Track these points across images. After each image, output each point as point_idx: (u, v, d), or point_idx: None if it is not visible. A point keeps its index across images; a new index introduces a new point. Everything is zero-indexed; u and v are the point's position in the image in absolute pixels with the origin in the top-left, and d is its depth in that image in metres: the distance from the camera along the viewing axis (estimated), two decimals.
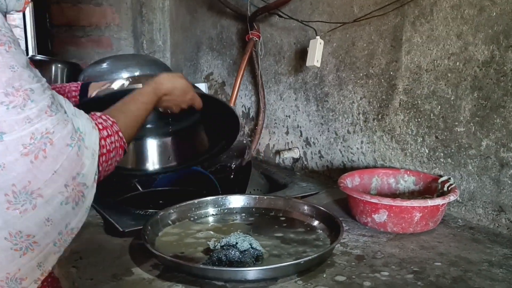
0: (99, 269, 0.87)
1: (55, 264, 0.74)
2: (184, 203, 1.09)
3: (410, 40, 1.16)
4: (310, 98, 1.48)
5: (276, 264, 0.81)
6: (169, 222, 1.05)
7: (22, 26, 3.18)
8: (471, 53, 1.04)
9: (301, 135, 1.55)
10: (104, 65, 2.00)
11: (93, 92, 1.18)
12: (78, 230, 0.77)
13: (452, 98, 1.08)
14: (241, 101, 1.83)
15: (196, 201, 1.11)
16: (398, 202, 0.96)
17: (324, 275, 0.83)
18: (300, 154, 1.56)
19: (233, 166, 1.64)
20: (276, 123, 1.65)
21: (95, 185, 0.78)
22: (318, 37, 1.30)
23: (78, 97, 1.19)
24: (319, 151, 1.48)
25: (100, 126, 0.81)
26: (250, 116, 1.78)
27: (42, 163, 0.67)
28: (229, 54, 1.88)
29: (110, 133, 0.82)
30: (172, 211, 1.06)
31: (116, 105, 0.90)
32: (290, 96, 1.57)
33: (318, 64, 1.30)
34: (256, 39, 1.58)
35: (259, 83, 1.64)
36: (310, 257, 0.81)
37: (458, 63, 1.06)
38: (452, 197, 0.98)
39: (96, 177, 0.78)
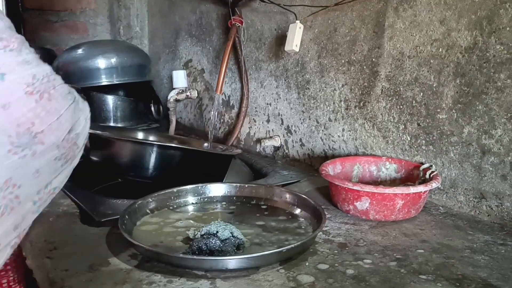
0: (75, 260, 0.84)
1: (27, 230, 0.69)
2: (163, 192, 1.06)
3: (393, 26, 1.14)
4: (291, 85, 1.46)
5: (258, 253, 0.79)
6: (148, 211, 1.02)
7: None
8: (454, 39, 1.03)
9: (282, 123, 1.53)
10: (80, 51, 1.95)
11: None
12: (58, 191, 0.73)
13: (434, 85, 1.07)
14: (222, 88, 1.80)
15: (175, 189, 1.08)
16: (380, 190, 0.95)
17: (307, 263, 0.81)
18: (281, 142, 1.54)
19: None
20: (257, 111, 1.63)
21: (82, 149, 0.75)
22: (297, 21, 1.28)
23: None
24: (300, 139, 1.46)
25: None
26: (230, 104, 1.75)
27: (48, 104, 0.64)
28: (209, 41, 1.84)
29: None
30: (150, 199, 1.03)
31: None
32: (271, 83, 1.54)
33: (297, 49, 1.28)
34: (239, 24, 1.55)
35: (242, 70, 1.61)
36: (292, 245, 0.80)
37: (441, 49, 1.05)
38: (434, 185, 0.98)
39: (85, 141, 0.75)
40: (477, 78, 1.00)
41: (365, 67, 1.23)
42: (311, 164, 1.43)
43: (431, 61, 1.08)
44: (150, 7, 2.28)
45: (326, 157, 1.37)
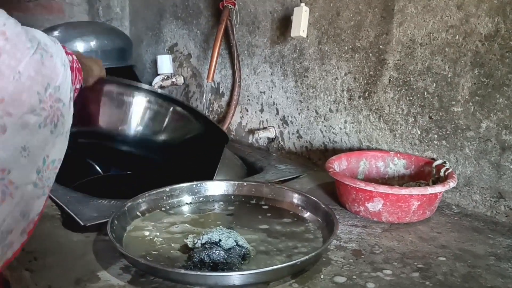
0: (59, 273, 0.74)
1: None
2: (155, 191, 0.96)
3: (403, 11, 1.05)
4: (288, 73, 1.37)
5: (269, 267, 0.70)
6: (138, 213, 0.92)
7: None
8: (473, 25, 0.95)
9: (277, 113, 1.43)
10: (56, 33, 1.80)
11: None
12: (60, 164, 0.66)
13: (449, 75, 0.99)
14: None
15: (167, 188, 0.98)
16: (396, 190, 0.87)
17: (322, 276, 0.73)
18: (276, 133, 1.45)
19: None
20: (249, 99, 1.53)
21: (71, 105, 0.67)
22: (303, 4, 1.18)
23: None
24: (297, 131, 1.37)
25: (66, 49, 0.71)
26: (220, 92, 1.65)
27: None
28: (196, 24, 1.73)
29: (68, 51, 0.72)
30: (141, 200, 0.93)
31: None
32: (266, 70, 1.44)
33: (304, 35, 1.18)
34: (232, 6, 1.44)
35: (234, 55, 1.50)
36: (306, 257, 0.71)
37: (457, 37, 0.97)
38: (452, 184, 0.90)
39: (72, 94, 0.67)
40: (498, 69, 0.92)
41: (371, 54, 1.14)
42: (309, 157, 1.35)
43: (446, 50, 0.99)
44: None
45: (326, 150, 1.29)
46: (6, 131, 0.55)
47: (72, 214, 0.92)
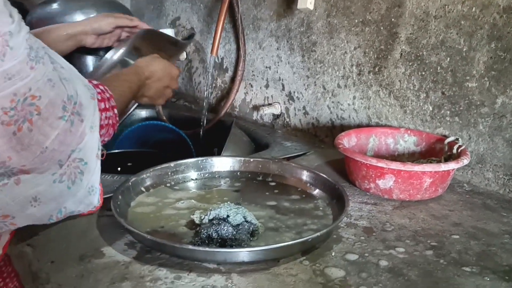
0: (62, 249, 0.72)
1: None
2: (159, 167, 0.94)
3: None
4: (295, 47, 1.33)
5: (280, 244, 0.68)
6: (142, 189, 0.90)
7: None
8: None
9: (283, 88, 1.40)
10: (55, 5, 1.75)
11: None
12: (82, 212, 0.65)
13: (464, 49, 0.96)
14: None
15: (172, 164, 0.96)
16: (408, 167, 0.85)
17: (333, 253, 0.71)
18: (281, 110, 1.41)
19: (204, 121, 1.49)
20: (254, 75, 1.50)
21: (98, 162, 0.66)
22: None
23: None
24: (304, 107, 1.34)
25: (99, 97, 0.69)
26: (224, 67, 1.61)
27: (27, 137, 0.54)
28: None
29: (107, 106, 0.70)
30: (145, 176, 0.91)
31: (104, 80, 0.79)
32: (271, 44, 1.40)
33: (311, 7, 1.14)
34: None
35: (238, 29, 1.46)
36: (318, 234, 0.69)
37: (474, 9, 0.93)
38: (465, 161, 0.88)
39: (99, 152, 0.66)
40: None
41: (382, 28, 1.10)
42: (315, 134, 1.32)
43: (462, 22, 0.96)
44: None
45: (333, 127, 1.26)
46: (20, 183, 0.57)
47: None
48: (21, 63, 0.54)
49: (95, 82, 0.72)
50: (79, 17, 1.71)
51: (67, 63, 0.65)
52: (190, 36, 1.29)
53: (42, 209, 0.61)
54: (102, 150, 0.73)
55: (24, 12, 1.80)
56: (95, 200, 0.66)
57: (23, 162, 0.56)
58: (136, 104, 1.01)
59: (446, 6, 0.98)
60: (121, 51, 1.03)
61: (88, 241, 0.74)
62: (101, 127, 0.70)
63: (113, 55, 1.03)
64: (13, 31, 0.54)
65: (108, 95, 0.73)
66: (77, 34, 1.06)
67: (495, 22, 0.91)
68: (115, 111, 0.73)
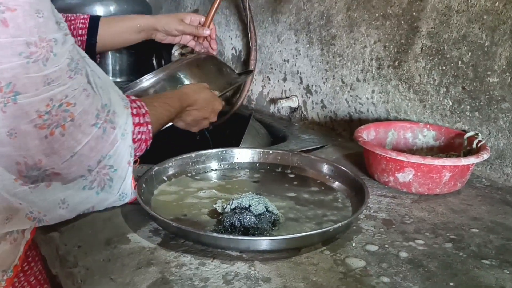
0: (88, 234, 0.74)
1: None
2: (181, 157, 0.95)
3: None
4: (314, 40, 1.34)
5: (301, 233, 0.69)
6: (165, 178, 0.91)
7: None
8: None
9: (301, 82, 1.41)
10: None
11: (105, 32, 1.04)
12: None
13: (486, 44, 0.96)
14: (231, 42, 1.66)
15: (193, 154, 0.97)
16: (428, 161, 0.85)
17: (353, 244, 0.72)
18: (299, 103, 1.42)
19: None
20: (272, 68, 1.50)
21: (130, 169, 0.69)
22: None
23: (86, 37, 1.02)
24: (322, 100, 1.35)
25: (134, 111, 0.72)
26: (242, 60, 1.62)
27: (58, 142, 0.57)
28: None
29: (141, 122, 0.73)
30: (167, 165, 0.93)
31: (145, 98, 0.83)
32: (290, 38, 1.41)
33: None
34: None
35: (248, 17, 1.46)
36: (339, 224, 0.70)
37: (497, 3, 0.93)
38: (485, 155, 0.88)
39: (131, 159, 0.69)
40: None
41: (403, 22, 1.10)
42: (333, 128, 1.33)
43: (484, 17, 0.95)
44: None
45: (351, 121, 1.27)
46: (50, 186, 0.60)
47: None
48: (62, 71, 0.57)
49: (133, 97, 0.75)
50: (98, 8, 1.74)
51: (103, 73, 0.69)
52: (247, 73, 1.29)
53: (70, 211, 0.65)
54: (135, 157, 0.75)
55: None
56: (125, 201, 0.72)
57: (52, 165, 0.59)
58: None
59: (469, 1, 0.97)
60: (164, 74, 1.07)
61: (114, 227, 0.76)
62: (133, 141, 0.72)
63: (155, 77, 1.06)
64: (58, 39, 0.56)
65: (143, 111, 0.75)
66: (149, 29, 1.10)
67: None
68: (149, 127, 0.76)
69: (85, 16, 1.03)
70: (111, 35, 1.05)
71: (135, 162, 0.75)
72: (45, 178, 0.59)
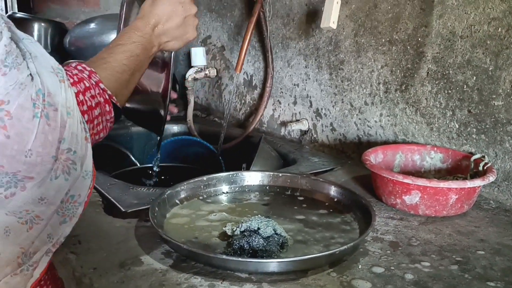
0: (103, 257, 0.77)
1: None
2: (193, 180, 0.98)
3: (444, 3, 1.04)
4: (323, 65, 1.37)
5: (308, 255, 0.71)
6: (177, 201, 0.94)
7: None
8: None
9: (310, 105, 1.44)
10: (92, 25, 1.85)
11: None
12: (83, 199, 0.65)
13: (490, 68, 0.98)
14: (243, 67, 1.70)
15: (205, 178, 1.00)
16: (434, 183, 0.87)
17: (360, 266, 0.74)
18: (309, 126, 1.45)
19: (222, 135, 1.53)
20: (282, 92, 1.54)
21: (88, 145, 0.63)
22: None
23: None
24: (331, 123, 1.37)
25: (75, 78, 0.65)
26: (253, 84, 1.66)
27: (8, 146, 0.53)
28: (230, 16, 1.74)
29: (88, 85, 0.66)
30: (179, 189, 0.95)
31: (98, 54, 0.74)
32: (300, 63, 1.45)
33: (334, 26, 1.18)
34: None
35: (267, 46, 1.51)
36: (345, 247, 0.72)
37: (500, 29, 0.96)
38: (491, 178, 0.89)
39: (87, 134, 0.63)
40: None
41: (409, 47, 1.13)
42: (342, 150, 1.35)
43: (488, 42, 0.98)
44: None
45: (360, 143, 1.29)
46: (25, 190, 0.57)
47: (114, 200, 0.95)
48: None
49: (74, 64, 0.68)
50: (114, 36, 1.80)
51: (41, 51, 0.62)
52: None
53: (50, 203, 0.60)
54: (110, 118, 0.69)
55: (64, 31, 1.90)
56: (89, 182, 0.65)
57: (18, 168, 0.55)
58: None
59: (473, 27, 1.00)
60: None
61: (127, 249, 0.78)
62: (92, 107, 0.66)
63: None
64: None
65: (87, 73, 0.67)
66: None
67: None
68: (101, 86, 0.68)
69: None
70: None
71: (113, 121, 0.70)
72: (18, 182, 0.56)
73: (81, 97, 0.64)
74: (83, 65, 0.68)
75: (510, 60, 0.95)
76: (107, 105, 0.69)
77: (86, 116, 0.65)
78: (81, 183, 0.64)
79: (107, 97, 0.69)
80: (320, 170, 1.20)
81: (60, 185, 0.61)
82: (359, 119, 1.28)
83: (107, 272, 0.72)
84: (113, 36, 1.81)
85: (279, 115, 1.57)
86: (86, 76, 0.67)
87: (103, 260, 0.76)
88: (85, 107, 0.64)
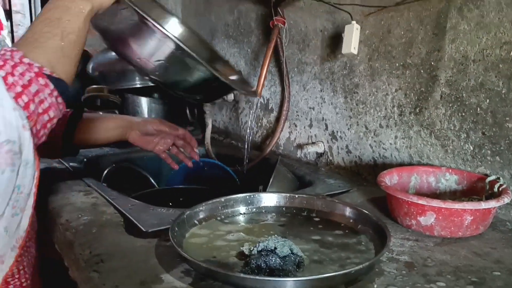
0: (124, 275, 0.79)
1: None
2: (211, 201, 1.01)
3: (456, 28, 1.07)
4: (338, 89, 1.40)
5: (324, 274, 0.72)
6: (196, 222, 0.96)
7: (26, 12, 3.08)
8: None
9: (326, 128, 1.46)
10: (113, 52, 1.91)
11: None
12: (30, 189, 0.64)
13: (503, 91, 1.00)
14: None
15: (223, 199, 1.03)
16: (448, 204, 0.88)
17: (375, 286, 0.75)
18: (324, 148, 1.47)
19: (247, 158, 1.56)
20: (298, 115, 1.57)
21: (26, 133, 0.61)
22: (354, 22, 1.21)
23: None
24: (347, 146, 1.39)
25: (0, 63, 0.64)
26: (269, 108, 1.69)
27: None
28: (247, 42, 1.79)
29: (13, 64, 0.64)
30: (198, 210, 0.98)
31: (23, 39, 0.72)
32: (315, 87, 1.48)
33: (355, 51, 1.21)
34: (281, 25, 1.49)
35: (283, 72, 1.55)
36: (361, 266, 0.73)
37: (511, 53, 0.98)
38: (506, 199, 0.90)
39: (24, 122, 0.60)
40: None
41: (422, 71, 1.15)
42: (358, 172, 1.36)
43: (500, 66, 1.00)
44: (185, 6, 2.24)
45: (375, 165, 1.30)
46: None
47: (134, 221, 0.98)
48: None
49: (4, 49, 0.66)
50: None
51: None
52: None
53: (3, 197, 0.60)
54: (52, 92, 0.66)
55: (88, 58, 1.97)
56: (31, 171, 0.64)
57: None
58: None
59: (485, 50, 1.02)
60: None
61: (148, 268, 0.81)
62: (25, 86, 0.64)
63: None
64: None
65: (9, 54, 0.65)
66: (124, 127, 1.14)
67: None
68: (25, 60, 0.66)
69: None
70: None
71: (69, 108, 0.71)
72: None
73: (10, 79, 0.62)
74: (4, 48, 0.67)
75: None
76: (40, 79, 0.66)
77: (24, 97, 0.63)
78: (24, 172, 0.63)
79: (36, 69, 0.66)
80: (336, 192, 1.21)
81: (9, 178, 0.60)
82: (374, 141, 1.30)
83: None
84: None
85: (295, 138, 1.60)
86: (8, 57, 0.65)
87: (125, 278, 0.78)
88: (18, 88, 0.63)
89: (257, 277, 0.72)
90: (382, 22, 1.24)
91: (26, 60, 0.65)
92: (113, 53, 1.90)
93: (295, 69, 1.55)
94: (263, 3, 1.64)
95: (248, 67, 1.80)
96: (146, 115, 1.91)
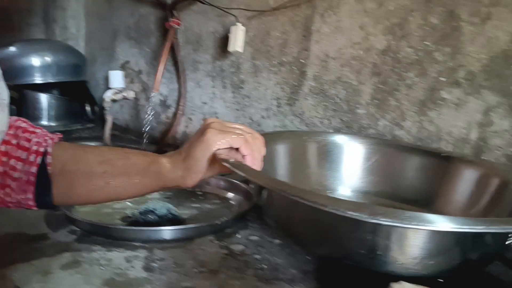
0: (15, 236, 0.86)
1: None
2: None
3: (319, 31, 1.26)
4: (227, 85, 1.55)
5: (194, 224, 0.85)
6: None
7: None
8: (372, 42, 1.16)
9: None
10: (13, 48, 1.92)
11: None
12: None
13: (355, 83, 1.20)
14: (159, 89, 1.85)
15: None
16: None
17: (239, 236, 0.89)
18: None
19: None
20: (193, 110, 1.70)
21: None
22: (238, 23, 1.37)
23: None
24: None
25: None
26: (166, 104, 1.81)
27: None
28: (147, 43, 1.89)
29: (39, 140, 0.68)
30: None
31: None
32: (208, 83, 1.62)
33: (241, 50, 1.36)
34: (177, 26, 1.61)
35: (179, 69, 1.67)
36: (226, 219, 0.87)
37: (360, 51, 1.18)
38: None
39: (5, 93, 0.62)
40: (390, 77, 1.13)
41: (294, 67, 1.33)
42: None
43: (352, 62, 1.20)
44: (88, 9, 2.29)
45: None
46: None
47: None
48: None
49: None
50: (35, 59, 1.89)
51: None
52: None
53: None
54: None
55: None
56: None
57: None
58: None
59: (341, 50, 1.22)
60: None
61: (37, 230, 0.88)
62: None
63: None
64: None
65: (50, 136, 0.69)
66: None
67: (375, 61, 1.15)
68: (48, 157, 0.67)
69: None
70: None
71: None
72: None
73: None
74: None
75: (368, 76, 1.17)
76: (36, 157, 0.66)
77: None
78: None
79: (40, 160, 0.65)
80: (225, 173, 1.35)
81: None
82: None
83: (20, 246, 0.81)
84: (33, 58, 1.90)
85: (191, 131, 1.72)
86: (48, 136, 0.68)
87: (15, 237, 0.85)
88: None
89: (134, 228, 0.83)
90: (263, 26, 1.41)
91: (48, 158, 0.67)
92: (11, 49, 1.92)
93: (190, 67, 1.68)
94: (161, 7, 1.75)
95: (148, 66, 1.90)
96: (45, 111, 1.93)
